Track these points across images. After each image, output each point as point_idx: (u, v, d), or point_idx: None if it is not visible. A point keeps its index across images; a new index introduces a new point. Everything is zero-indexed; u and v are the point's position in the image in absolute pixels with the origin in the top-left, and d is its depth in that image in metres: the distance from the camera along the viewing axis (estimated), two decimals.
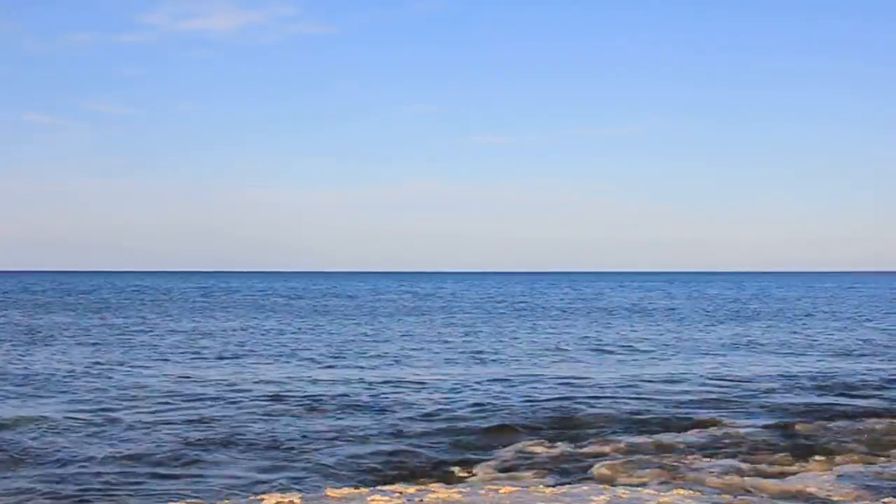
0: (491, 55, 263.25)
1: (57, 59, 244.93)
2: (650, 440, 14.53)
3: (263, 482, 11.82)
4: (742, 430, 15.35)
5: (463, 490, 10.49)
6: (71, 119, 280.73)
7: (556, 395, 19.54)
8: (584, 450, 13.81)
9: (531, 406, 18.11)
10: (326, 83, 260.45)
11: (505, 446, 14.07)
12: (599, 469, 12.34)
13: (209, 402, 18.38)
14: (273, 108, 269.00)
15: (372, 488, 10.67)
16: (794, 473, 11.90)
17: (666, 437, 14.73)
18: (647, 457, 13.14)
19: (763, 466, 12.38)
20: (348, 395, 19.48)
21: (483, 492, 10.33)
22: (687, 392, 20.25)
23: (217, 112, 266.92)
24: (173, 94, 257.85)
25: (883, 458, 12.93)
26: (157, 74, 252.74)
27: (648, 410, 17.60)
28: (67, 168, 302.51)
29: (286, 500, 10.04)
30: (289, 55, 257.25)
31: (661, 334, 37.42)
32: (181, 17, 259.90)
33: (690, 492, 10.41)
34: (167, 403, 18.25)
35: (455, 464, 12.96)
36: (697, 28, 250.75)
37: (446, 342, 33.28)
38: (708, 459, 12.82)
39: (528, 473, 12.15)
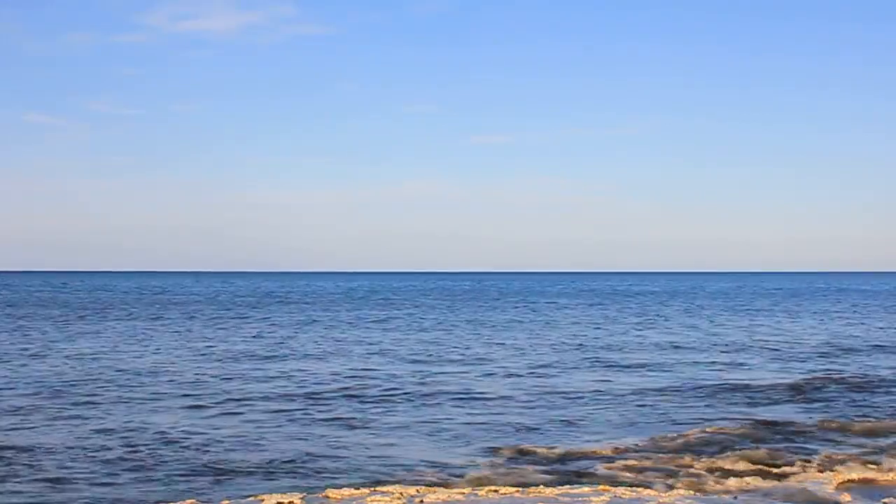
0: (491, 55, 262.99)
1: (57, 59, 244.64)
2: (651, 441, 14.53)
3: (264, 482, 11.82)
4: (742, 431, 15.34)
5: (463, 490, 10.50)
6: (71, 119, 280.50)
7: (556, 397, 19.54)
8: (585, 451, 13.81)
9: (531, 407, 18.11)
10: (326, 83, 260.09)
11: (505, 447, 14.06)
12: (600, 470, 12.34)
13: (207, 403, 18.38)
14: (273, 108, 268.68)
15: (372, 489, 10.67)
16: (794, 474, 11.89)
17: (667, 439, 14.72)
18: (648, 458, 13.14)
19: (763, 467, 12.37)
20: (347, 395, 19.48)
21: (483, 492, 10.33)
22: (687, 394, 20.23)
23: (217, 112, 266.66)
24: (173, 95, 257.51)
25: (883, 459, 12.91)
26: (157, 74, 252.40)
27: (648, 412, 17.60)
28: (67, 168, 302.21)
29: (286, 500, 10.04)
30: (288, 55, 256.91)
31: (664, 336, 37.42)
32: (180, 19, 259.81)
33: (691, 492, 10.41)
34: (162, 404, 18.26)
35: (455, 464, 12.96)
36: (697, 28, 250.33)
37: (443, 343, 33.29)
38: (708, 460, 12.81)
39: (529, 474, 12.14)
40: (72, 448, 13.86)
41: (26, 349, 30.15)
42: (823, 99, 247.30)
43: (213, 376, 23.03)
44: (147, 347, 31.35)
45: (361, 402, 18.86)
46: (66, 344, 32.34)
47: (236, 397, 19.36)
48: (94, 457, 13.32)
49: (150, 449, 13.86)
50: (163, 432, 15.15)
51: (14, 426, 15.68)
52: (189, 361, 26.70)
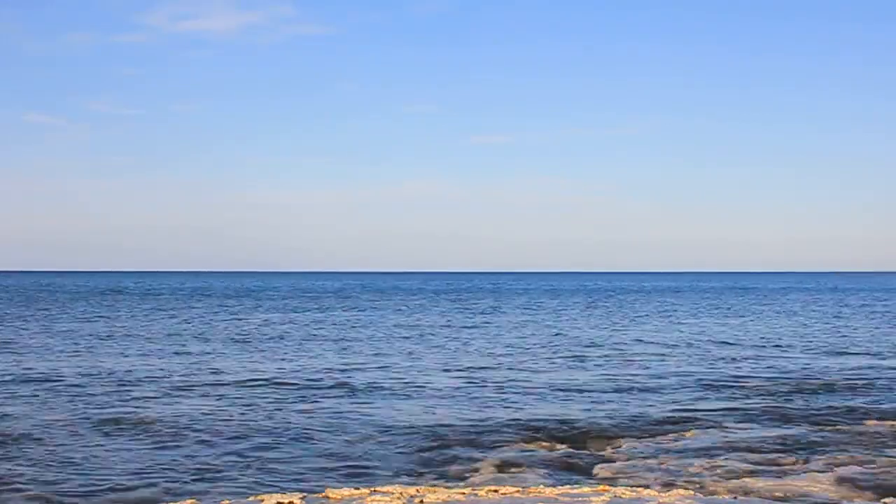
0: (491, 55, 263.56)
1: (57, 59, 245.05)
2: (650, 442, 14.53)
3: (264, 482, 11.81)
4: (742, 432, 15.35)
5: (463, 491, 10.49)
6: (71, 119, 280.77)
7: (557, 396, 19.55)
8: (585, 451, 13.81)
9: (531, 406, 18.10)
10: (326, 83, 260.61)
11: (505, 447, 14.06)
12: (600, 470, 12.34)
13: (203, 399, 18.37)
14: (273, 108, 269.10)
15: (372, 489, 10.66)
16: (794, 474, 11.89)
17: (666, 439, 14.72)
18: (648, 458, 13.14)
19: (763, 467, 12.38)
20: (346, 394, 19.48)
21: (483, 492, 10.32)
22: (684, 392, 20.25)
23: (217, 112, 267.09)
24: (173, 95, 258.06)
25: (883, 460, 12.92)
26: (157, 74, 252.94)
27: (648, 412, 17.60)
28: (67, 168, 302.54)
29: (286, 500, 10.02)
30: (288, 55, 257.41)
31: (657, 334, 37.46)
32: (180, 19, 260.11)
33: (691, 493, 10.40)
34: (164, 400, 18.23)
35: (455, 464, 12.96)
36: (697, 28, 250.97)
37: (443, 343, 33.31)
38: (708, 461, 12.81)
39: (529, 474, 12.14)
40: (61, 446, 13.85)
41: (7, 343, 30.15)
42: (823, 99, 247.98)
43: (200, 374, 23.02)
44: (120, 344, 31.35)
45: (353, 400, 18.84)
46: (47, 340, 32.34)
47: (230, 395, 19.35)
48: (86, 454, 13.30)
49: (143, 449, 13.85)
50: (156, 431, 15.13)
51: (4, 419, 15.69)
52: (170, 358, 26.70)
